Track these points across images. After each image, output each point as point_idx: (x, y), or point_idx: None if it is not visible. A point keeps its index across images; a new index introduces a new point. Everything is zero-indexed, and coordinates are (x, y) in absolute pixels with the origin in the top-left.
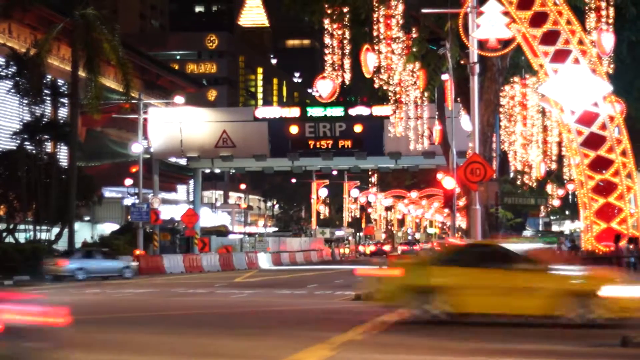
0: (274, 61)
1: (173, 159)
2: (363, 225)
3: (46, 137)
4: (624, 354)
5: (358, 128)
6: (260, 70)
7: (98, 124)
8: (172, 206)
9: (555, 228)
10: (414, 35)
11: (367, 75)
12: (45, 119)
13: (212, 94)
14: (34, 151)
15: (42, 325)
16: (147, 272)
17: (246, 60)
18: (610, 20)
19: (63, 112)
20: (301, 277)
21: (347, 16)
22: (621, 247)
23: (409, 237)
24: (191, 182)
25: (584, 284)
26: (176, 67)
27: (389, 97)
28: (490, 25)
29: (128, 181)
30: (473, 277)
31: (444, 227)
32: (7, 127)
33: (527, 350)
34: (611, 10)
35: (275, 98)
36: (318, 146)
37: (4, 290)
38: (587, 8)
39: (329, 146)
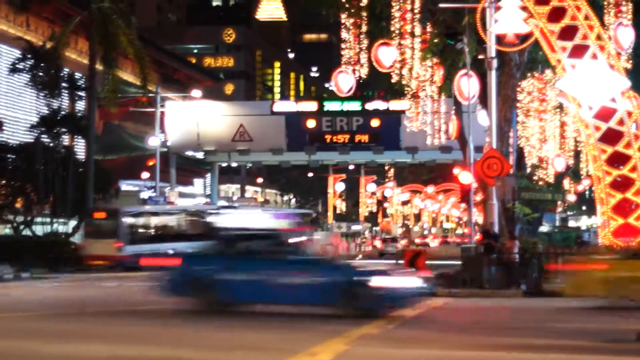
0: (291, 55)
1: (190, 153)
2: (379, 220)
3: (63, 130)
4: (639, 349)
5: (375, 122)
6: (277, 64)
7: (115, 118)
8: (189, 199)
9: (572, 223)
10: (431, 30)
11: (382, 71)
12: (63, 112)
13: (229, 88)
14: (51, 144)
15: None
16: None
17: (263, 54)
18: (629, 16)
19: (80, 106)
20: None
21: (364, 11)
22: None
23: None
24: (208, 175)
25: None
26: (193, 61)
27: (406, 92)
28: (508, 20)
29: (145, 174)
30: None
31: (460, 221)
32: (25, 120)
33: (543, 345)
34: (630, 6)
35: (292, 92)
36: (335, 140)
37: None
38: (605, 3)
39: (346, 140)
